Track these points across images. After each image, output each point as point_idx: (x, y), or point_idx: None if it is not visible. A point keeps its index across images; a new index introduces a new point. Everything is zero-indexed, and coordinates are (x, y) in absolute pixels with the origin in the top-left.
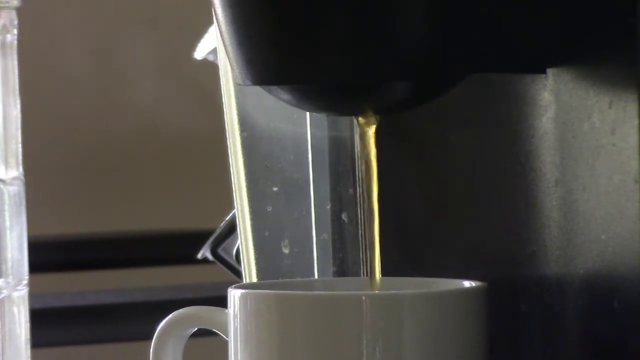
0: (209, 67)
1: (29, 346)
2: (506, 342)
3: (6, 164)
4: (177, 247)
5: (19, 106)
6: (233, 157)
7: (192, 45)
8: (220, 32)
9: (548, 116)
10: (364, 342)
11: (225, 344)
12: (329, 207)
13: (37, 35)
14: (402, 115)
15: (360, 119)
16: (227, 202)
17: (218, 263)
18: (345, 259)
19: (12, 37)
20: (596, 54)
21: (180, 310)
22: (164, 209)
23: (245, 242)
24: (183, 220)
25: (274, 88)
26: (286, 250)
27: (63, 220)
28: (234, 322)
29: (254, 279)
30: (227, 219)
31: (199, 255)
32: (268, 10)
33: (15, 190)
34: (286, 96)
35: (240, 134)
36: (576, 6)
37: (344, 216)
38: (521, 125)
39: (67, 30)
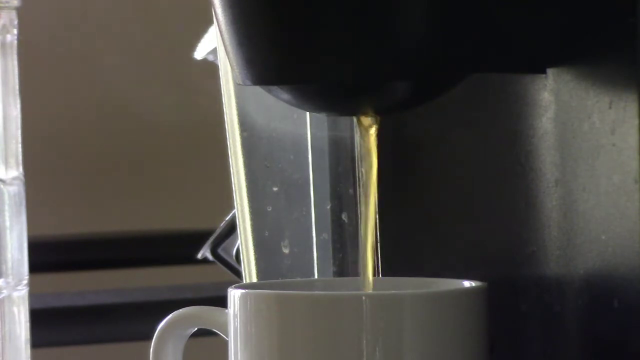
0: (209, 67)
1: (29, 346)
2: (506, 342)
3: (6, 164)
4: (177, 247)
5: (19, 106)
6: (233, 157)
7: (193, 46)
8: (220, 32)
9: (548, 116)
10: (364, 342)
11: (225, 344)
12: (329, 207)
13: (38, 35)
14: (402, 115)
15: (360, 119)
16: (227, 202)
17: (218, 263)
18: (345, 259)
19: (12, 37)
20: (596, 54)
21: (180, 310)
22: (164, 209)
23: (245, 242)
24: (183, 220)
25: (274, 88)
26: (286, 250)
27: (63, 220)
28: (234, 322)
29: (254, 279)
30: (227, 219)
31: (199, 255)
32: (268, 10)
33: (15, 190)
34: (286, 96)
35: (240, 134)
36: (576, 6)
37: (344, 216)
38: (521, 125)
39: (67, 31)
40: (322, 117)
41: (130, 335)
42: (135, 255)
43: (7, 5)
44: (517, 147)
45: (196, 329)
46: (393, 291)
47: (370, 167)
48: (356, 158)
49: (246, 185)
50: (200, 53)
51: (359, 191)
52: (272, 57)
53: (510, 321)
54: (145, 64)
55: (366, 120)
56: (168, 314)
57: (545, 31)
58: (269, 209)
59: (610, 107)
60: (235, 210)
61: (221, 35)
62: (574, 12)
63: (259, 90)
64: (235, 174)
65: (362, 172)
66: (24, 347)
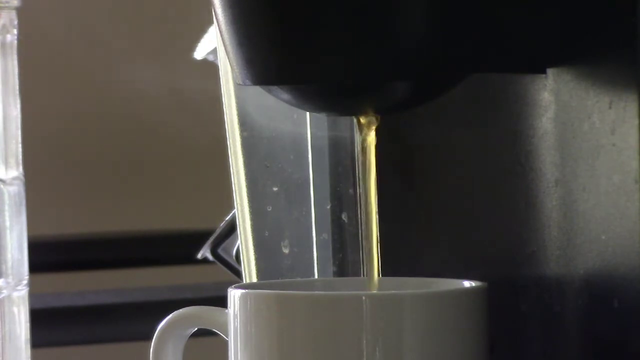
0: (209, 67)
1: (29, 346)
2: (506, 342)
3: (6, 164)
4: (177, 247)
5: (19, 106)
6: (233, 157)
7: (193, 45)
8: (220, 32)
9: (548, 116)
10: (364, 342)
11: (225, 344)
12: (329, 207)
13: (38, 36)
14: (402, 115)
15: (360, 119)
16: (227, 202)
17: (218, 263)
18: (345, 259)
19: (12, 37)
20: (596, 54)
21: (180, 310)
22: (164, 209)
23: (245, 242)
24: (183, 220)
25: (274, 88)
26: (286, 250)
27: (63, 220)
28: (234, 322)
29: (254, 279)
30: (227, 219)
31: (199, 255)
32: (268, 10)
33: (15, 190)
34: (286, 96)
35: (240, 134)
36: (576, 6)
37: (344, 216)
38: (521, 125)
39: (67, 31)
40: (322, 117)
41: (130, 335)
42: (135, 255)
43: (7, 5)
44: (517, 147)
45: (196, 329)
46: (393, 291)
47: (370, 168)
48: (356, 158)
49: (246, 185)
50: (200, 53)
51: (359, 191)
52: (272, 57)
53: (510, 321)
54: (145, 63)
55: (366, 120)
56: (168, 314)
57: (545, 31)
58: (269, 209)
59: (610, 107)
60: (235, 210)
61: (221, 35)
62: (574, 12)
63: (259, 90)
64: (235, 174)
65: (361, 172)
66: (24, 347)
